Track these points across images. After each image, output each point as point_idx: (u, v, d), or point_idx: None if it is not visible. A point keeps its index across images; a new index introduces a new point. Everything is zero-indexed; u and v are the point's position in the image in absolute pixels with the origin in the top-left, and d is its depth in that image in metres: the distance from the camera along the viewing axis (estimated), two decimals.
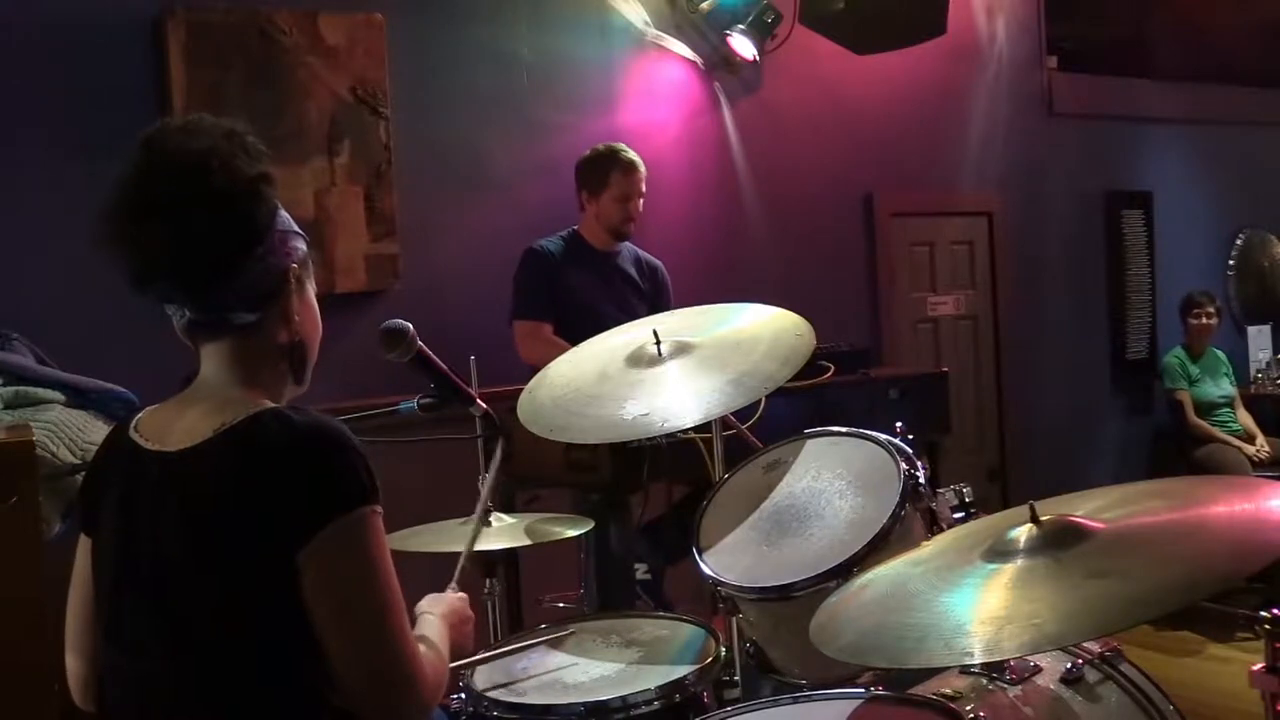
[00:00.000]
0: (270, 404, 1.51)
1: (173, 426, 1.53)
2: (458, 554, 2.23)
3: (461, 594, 1.88)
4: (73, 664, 1.64)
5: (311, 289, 1.64)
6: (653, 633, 2.16)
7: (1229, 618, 4.80)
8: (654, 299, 3.89)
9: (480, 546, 2.27)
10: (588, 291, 3.76)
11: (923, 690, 1.82)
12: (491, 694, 1.93)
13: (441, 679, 1.58)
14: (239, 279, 1.50)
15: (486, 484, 2.23)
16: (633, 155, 3.84)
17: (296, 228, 1.60)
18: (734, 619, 2.03)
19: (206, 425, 1.48)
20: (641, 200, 3.84)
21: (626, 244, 3.94)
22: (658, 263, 3.99)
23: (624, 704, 1.85)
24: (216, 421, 1.48)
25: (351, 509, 1.43)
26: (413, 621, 1.69)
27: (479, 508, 2.22)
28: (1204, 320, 6.13)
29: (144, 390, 2.25)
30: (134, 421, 1.59)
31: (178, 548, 1.46)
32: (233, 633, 1.43)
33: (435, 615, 1.74)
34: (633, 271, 3.90)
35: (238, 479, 1.43)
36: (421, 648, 1.56)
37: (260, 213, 1.52)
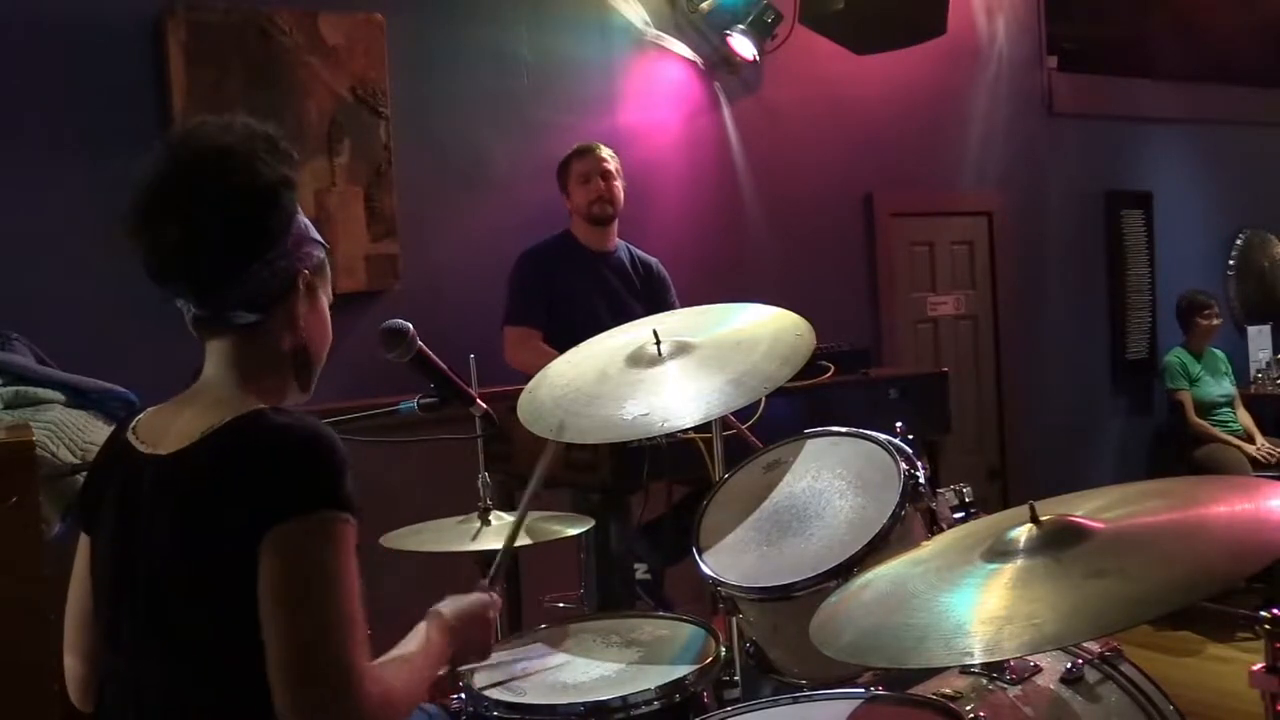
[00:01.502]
0: (261, 405, 1.50)
1: (168, 429, 1.53)
2: (457, 552, 2.23)
3: (489, 595, 1.81)
4: (71, 664, 1.64)
5: (325, 296, 1.63)
6: (653, 633, 2.16)
7: (1229, 618, 4.80)
8: (651, 296, 3.90)
9: (480, 546, 2.27)
10: (580, 293, 3.77)
11: (923, 690, 1.82)
12: (491, 694, 1.93)
13: (397, 700, 1.45)
14: (246, 282, 1.50)
15: (534, 483, 2.15)
16: (588, 143, 3.95)
17: (316, 234, 1.59)
18: (734, 619, 2.03)
19: (196, 428, 1.48)
20: (615, 183, 3.86)
21: (621, 243, 3.95)
22: (652, 259, 4.00)
23: (624, 704, 1.85)
24: (206, 424, 1.48)
25: (316, 510, 1.40)
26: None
27: (523, 505, 2.16)
28: (1212, 321, 6.13)
29: (144, 390, 2.26)
30: (133, 424, 1.59)
31: (171, 551, 1.46)
32: (224, 634, 1.43)
33: (434, 623, 1.67)
34: (627, 270, 3.91)
35: (217, 480, 1.43)
36: (391, 667, 1.50)
37: (275, 217, 1.51)
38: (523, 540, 2.33)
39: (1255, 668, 1.63)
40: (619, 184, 3.89)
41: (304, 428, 1.45)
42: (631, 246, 3.99)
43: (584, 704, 1.86)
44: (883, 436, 2.04)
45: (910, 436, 2.06)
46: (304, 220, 1.57)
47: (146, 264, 1.50)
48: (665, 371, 2.21)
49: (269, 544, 1.38)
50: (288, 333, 1.57)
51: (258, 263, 1.50)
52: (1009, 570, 1.47)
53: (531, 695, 1.92)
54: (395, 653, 1.58)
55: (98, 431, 2.40)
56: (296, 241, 1.55)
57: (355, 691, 1.36)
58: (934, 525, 1.96)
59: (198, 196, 1.47)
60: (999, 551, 1.52)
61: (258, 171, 1.50)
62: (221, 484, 1.43)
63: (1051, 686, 1.87)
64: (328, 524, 1.40)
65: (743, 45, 4.93)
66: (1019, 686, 1.84)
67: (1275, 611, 1.61)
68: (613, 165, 3.89)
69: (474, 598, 1.79)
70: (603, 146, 3.93)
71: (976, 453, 5.87)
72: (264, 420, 1.46)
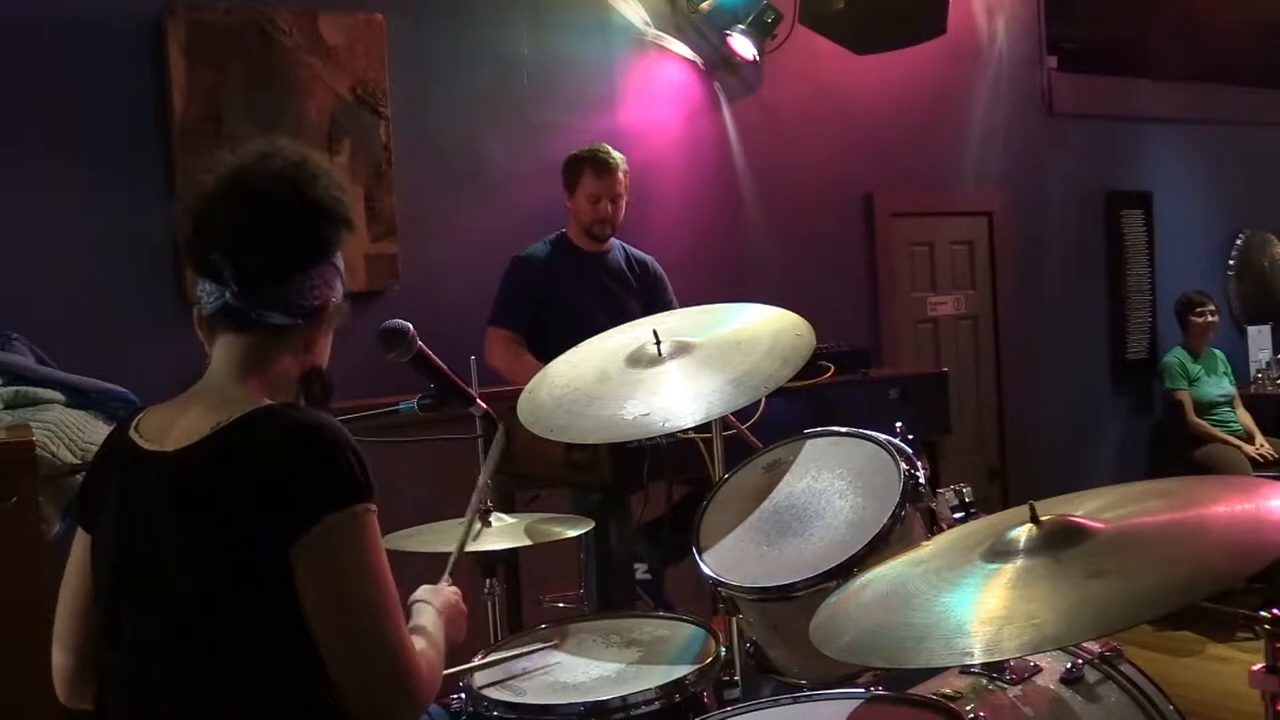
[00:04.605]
0: (267, 401, 1.52)
1: (172, 426, 1.53)
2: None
3: (455, 588, 1.89)
4: (59, 658, 1.63)
5: (330, 335, 1.69)
6: (653, 633, 2.16)
7: (1229, 618, 4.80)
8: (647, 294, 3.90)
9: (480, 546, 2.27)
10: (574, 295, 3.77)
11: (923, 690, 1.82)
12: (491, 694, 1.93)
13: (437, 676, 1.58)
14: (291, 285, 1.56)
15: (483, 476, 2.22)
16: (610, 157, 3.81)
17: (345, 279, 1.68)
18: (734, 619, 2.03)
19: (204, 424, 1.49)
20: (621, 203, 3.83)
21: (616, 242, 3.94)
22: (647, 257, 4.00)
23: (624, 704, 1.85)
24: (213, 420, 1.49)
25: (344, 506, 1.44)
26: (409, 613, 1.70)
27: (474, 500, 2.21)
28: (1207, 319, 6.14)
29: (144, 390, 2.26)
30: (135, 421, 1.59)
31: (175, 547, 1.46)
32: (231, 631, 1.44)
33: (432, 606, 1.75)
34: (622, 270, 3.91)
35: (231, 476, 1.44)
36: (419, 643, 1.56)
37: (333, 242, 1.60)
38: (523, 541, 2.34)
39: (1255, 668, 1.63)
40: (625, 201, 3.86)
41: (318, 423, 1.47)
42: (626, 245, 3.99)
43: (584, 704, 1.86)
44: (883, 436, 2.04)
45: (910, 436, 2.06)
46: (342, 263, 1.66)
47: (195, 239, 1.54)
48: (665, 371, 2.21)
49: (307, 547, 1.42)
50: (301, 352, 1.61)
51: (303, 274, 1.57)
52: (1009, 570, 1.47)
53: (531, 695, 1.92)
54: (419, 639, 1.61)
55: (98, 431, 2.40)
56: (334, 272, 1.64)
57: (415, 676, 1.47)
58: (934, 525, 1.96)
59: (280, 190, 1.53)
60: (999, 551, 1.52)
61: (336, 199, 1.59)
62: (239, 483, 1.44)
63: (1051, 686, 1.87)
64: (360, 517, 1.45)
65: (743, 45, 4.93)
66: (1019, 686, 1.84)
67: (1275, 611, 1.60)
68: (624, 184, 3.84)
69: (448, 589, 1.86)
70: (619, 161, 3.82)
71: (976, 453, 5.87)
72: (277, 417, 1.47)
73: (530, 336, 3.76)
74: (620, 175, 3.82)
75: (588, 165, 3.81)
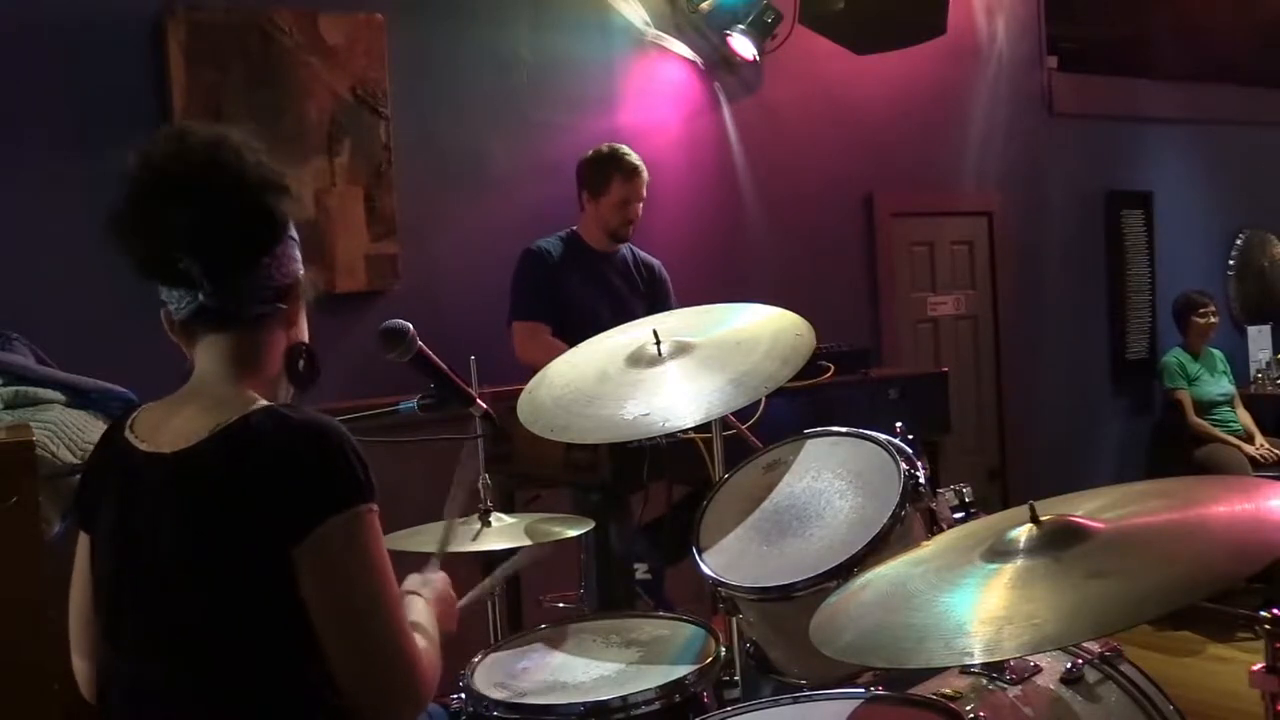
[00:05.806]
0: (264, 401, 1.52)
1: (167, 426, 1.53)
2: (459, 553, 2.23)
3: (443, 574, 1.89)
4: (79, 664, 1.63)
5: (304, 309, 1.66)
6: (653, 633, 2.16)
7: (1229, 618, 4.80)
8: (652, 297, 3.90)
9: (480, 546, 2.27)
10: (583, 293, 3.77)
11: (923, 690, 1.82)
12: (491, 694, 1.93)
13: (436, 671, 1.58)
14: (260, 270, 1.53)
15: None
16: (636, 160, 3.83)
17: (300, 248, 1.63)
18: (734, 619, 2.03)
19: (201, 425, 1.48)
20: (641, 204, 3.85)
21: (624, 243, 3.95)
22: (654, 261, 4.00)
23: (624, 704, 1.85)
24: (211, 421, 1.48)
25: (347, 506, 1.43)
26: None
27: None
28: (1208, 319, 6.14)
29: (144, 390, 2.25)
30: (130, 421, 1.59)
31: (175, 549, 1.46)
32: (231, 633, 1.43)
33: (423, 598, 1.75)
34: (630, 271, 3.91)
35: (233, 478, 1.43)
36: (420, 642, 1.56)
37: (283, 212, 1.55)
38: (523, 541, 2.34)
39: (1255, 668, 1.63)
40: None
41: (319, 424, 1.47)
42: (634, 247, 3.99)
43: (584, 704, 1.86)
44: (883, 436, 2.04)
45: (910, 436, 2.06)
46: (295, 233, 1.61)
47: (150, 244, 1.49)
48: (665, 371, 2.21)
49: (309, 549, 1.41)
50: (285, 331, 1.60)
51: (268, 255, 1.53)
52: (1009, 570, 1.47)
53: (531, 695, 1.92)
54: (419, 638, 1.60)
55: (98, 431, 2.38)
56: (294, 244, 1.59)
57: (417, 677, 1.48)
58: (934, 525, 1.96)
59: (219, 179, 1.49)
60: (999, 551, 1.52)
61: (267, 166, 1.54)
62: (241, 484, 1.43)
63: (1051, 686, 1.87)
64: (362, 518, 1.45)
65: (743, 45, 4.93)
66: (1019, 686, 1.84)
67: (1275, 611, 1.61)
68: (646, 187, 3.86)
69: (436, 576, 1.86)
70: (643, 167, 3.83)
71: (976, 453, 5.87)
72: (278, 418, 1.46)
73: (554, 326, 3.72)
74: (644, 177, 3.84)
75: (616, 171, 3.78)
